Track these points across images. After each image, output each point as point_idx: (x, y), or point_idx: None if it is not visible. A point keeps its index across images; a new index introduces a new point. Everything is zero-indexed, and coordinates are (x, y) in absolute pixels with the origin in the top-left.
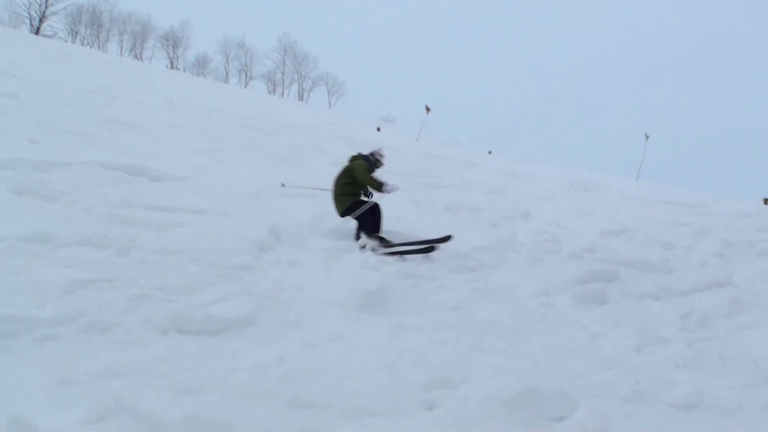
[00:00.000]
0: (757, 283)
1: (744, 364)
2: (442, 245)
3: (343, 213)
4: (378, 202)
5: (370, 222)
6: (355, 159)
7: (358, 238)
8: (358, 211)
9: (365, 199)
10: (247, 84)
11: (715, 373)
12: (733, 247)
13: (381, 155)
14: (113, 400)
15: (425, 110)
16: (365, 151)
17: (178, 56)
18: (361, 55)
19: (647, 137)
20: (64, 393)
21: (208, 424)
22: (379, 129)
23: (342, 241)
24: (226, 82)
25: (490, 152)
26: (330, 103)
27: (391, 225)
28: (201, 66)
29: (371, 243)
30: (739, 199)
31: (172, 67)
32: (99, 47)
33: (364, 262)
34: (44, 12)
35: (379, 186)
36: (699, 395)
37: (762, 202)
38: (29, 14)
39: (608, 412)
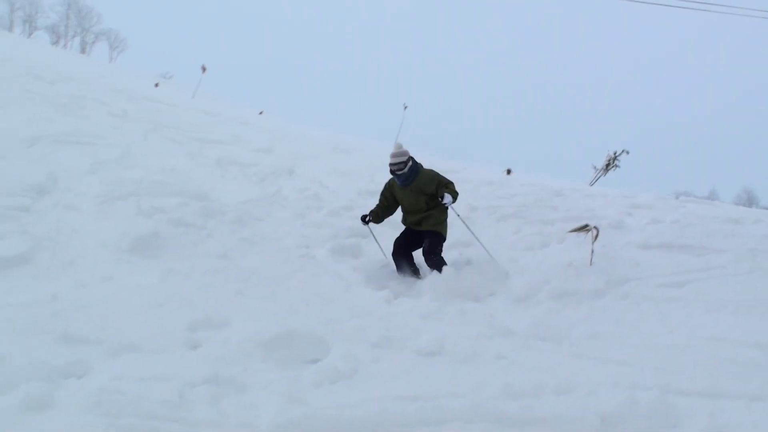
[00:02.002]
0: (495, 245)
1: (481, 318)
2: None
3: None
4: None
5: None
6: None
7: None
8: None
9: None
10: (31, 34)
11: (455, 324)
12: (477, 211)
13: (390, 156)
14: None
15: (202, 70)
16: None
17: None
18: (144, 12)
19: (405, 107)
20: None
21: None
22: (157, 85)
23: (118, 188)
24: (10, 30)
25: (261, 112)
26: (111, 58)
27: (165, 176)
28: None
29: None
30: (486, 168)
31: None
32: None
33: (138, 209)
34: None
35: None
36: (440, 343)
37: (506, 173)
38: None
39: (358, 355)
